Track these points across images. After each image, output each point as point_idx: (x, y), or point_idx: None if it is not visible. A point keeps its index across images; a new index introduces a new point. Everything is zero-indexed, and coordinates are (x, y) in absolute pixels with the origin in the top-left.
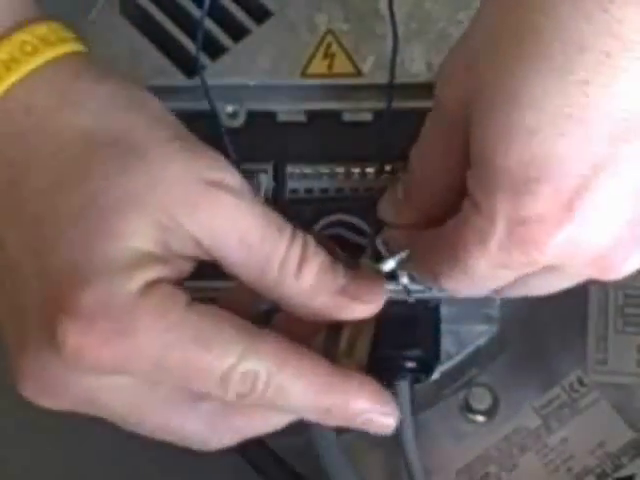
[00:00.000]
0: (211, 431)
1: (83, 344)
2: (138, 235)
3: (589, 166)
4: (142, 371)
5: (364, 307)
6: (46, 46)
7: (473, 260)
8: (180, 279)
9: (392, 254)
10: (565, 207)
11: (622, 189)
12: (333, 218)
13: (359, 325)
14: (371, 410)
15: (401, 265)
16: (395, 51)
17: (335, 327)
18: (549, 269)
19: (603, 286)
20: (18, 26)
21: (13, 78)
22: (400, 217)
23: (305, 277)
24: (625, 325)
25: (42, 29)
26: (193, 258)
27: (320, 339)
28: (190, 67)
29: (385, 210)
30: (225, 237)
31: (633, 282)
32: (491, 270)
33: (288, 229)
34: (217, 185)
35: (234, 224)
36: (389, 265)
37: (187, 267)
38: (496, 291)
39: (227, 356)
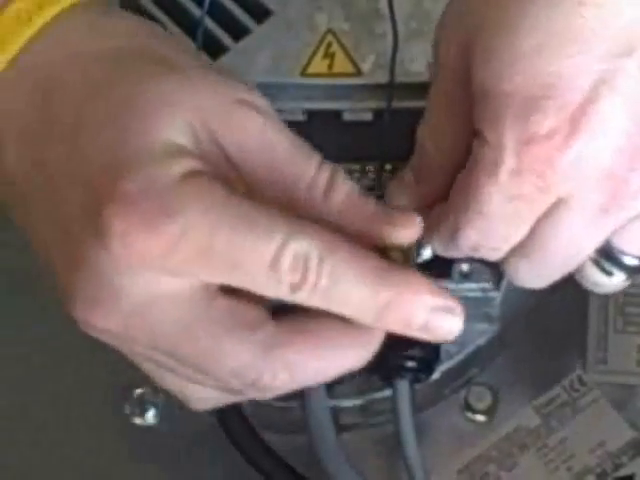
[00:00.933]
0: (264, 362)
1: (129, 228)
2: (172, 129)
3: (591, 81)
4: (189, 259)
5: (400, 231)
6: None
7: (486, 195)
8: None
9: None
10: (572, 121)
11: (623, 101)
12: None
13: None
14: (433, 307)
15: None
16: (395, 50)
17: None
18: (559, 204)
19: None
20: None
21: (45, 18)
22: (411, 198)
23: (334, 199)
24: (625, 324)
25: None
26: (225, 171)
27: None
28: None
29: (394, 196)
30: (254, 153)
31: (633, 281)
32: (506, 204)
33: (317, 156)
34: (248, 104)
35: (264, 141)
36: (425, 255)
37: (220, 169)
38: (514, 252)
39: (274, 234)
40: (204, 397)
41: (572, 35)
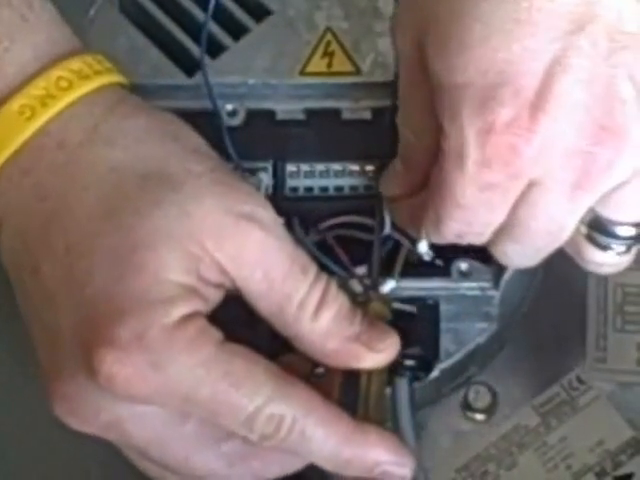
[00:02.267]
0: (230, 471)
1: (117, 374)
2: (170, 267)
3: (544, 63)
4: (172, 403)
5: (376, 356)
6: (81, 80)
7: (459, 188)
8: (211, 309)
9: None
10: (530, 107)
11: (578, 78)
12: (345, 219)
13: (372, 376)
14: (388, 462)
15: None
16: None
17: (351, 376)
18: (532, 187)
19: (602, 284)
20: (55, 61)
21: (48, 115)
22: (402, 187)
23: (322, 320)
24: (624, 323)
25: (77, 63)
26: (221, 286)
27: (336, 389)
28: (189, 66)
29: (387, 185)
30: (249, 269)
31: (632, 280)
32: (479, 194)
33: (312, 270)
34: (248, 218)
35: (260, 257)
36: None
37: (217, 296)
38: (499, 235)
39: (255, 397)
40: None
41: (519, 18)
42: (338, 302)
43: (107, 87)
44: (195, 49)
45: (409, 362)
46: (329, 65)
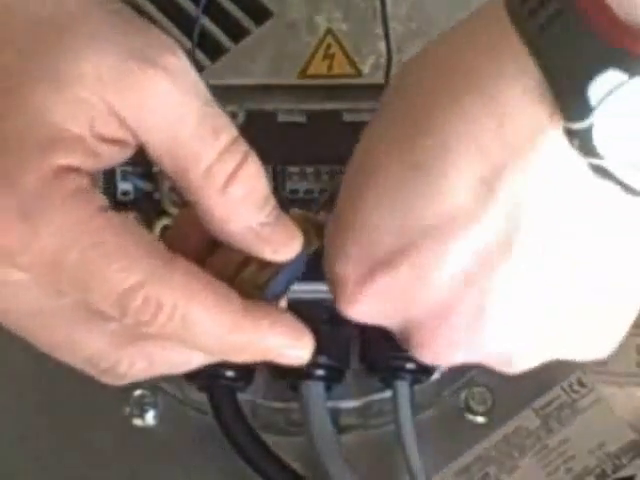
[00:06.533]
0: (119, 352)
1: None
2: (55, 110)
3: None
4: (40, 266)
5: (272, 253)
6: None
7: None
8: (100, 170)
9: None
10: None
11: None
12: None
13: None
14: (284, 345)
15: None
16: (389, 52)
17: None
18: None
19: None
20: None
21: None
22: None
23: (229, 195)
24: None
25: None
26: (119, 142)
27: (232, 264)
28: None
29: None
30: (152, 121)
31: None
32: None
33: (228, 134)
34: (153, 65)
35: (164, 109)
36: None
37: (113, 153)
38: None
39: (128, 275)
40: None
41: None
42: (254, 182)
43: None
44: (196, 52)
45: (410, 365)
46: (329, 67)
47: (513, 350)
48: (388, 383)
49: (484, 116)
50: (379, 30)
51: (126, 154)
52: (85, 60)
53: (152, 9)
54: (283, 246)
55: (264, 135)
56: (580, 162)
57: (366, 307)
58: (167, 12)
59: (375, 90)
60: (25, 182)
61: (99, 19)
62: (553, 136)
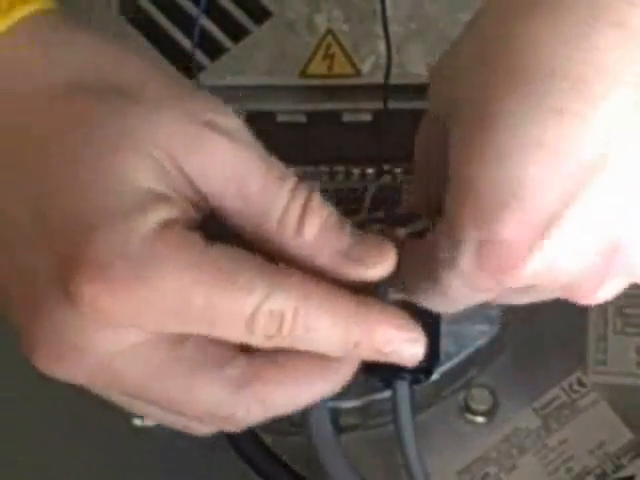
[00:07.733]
0: (237, 398)
1: (100, 293)
2: (139, 172)
3: (559, 196)
4: (164, 322)
5: (368, 271)
6: (21, 3)
7: (446, 281)
8: (190, 223)
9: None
10: (534, 235)
11: (592, 219)
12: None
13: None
14: (398, 339)
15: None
16: (389, 52)
17: None
18: (523, 288)
19: None
20: None
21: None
22: (410, 202)
23: (306, 235)
24: (624, 326)
25: None
26: (195, 205)
27: None
28: (189, 68)
29: (411, 197)
30: (221, 184)
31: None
32: (465, 291)
33: (291, 179)
34: (210, 126)
35: (230, 170)
36: (402, 232)
37: (193, 214)
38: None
39: (252, 295)
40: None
41: (544, 142)
42: (323, 213)
43: (48, 10)
44: (196, 52)
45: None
46: (329, 67)
47: None
48: (388, 383)
49: None
50: (379, 30)
51: (199, 216)
52: (155, 125)
53: (152, 9)
54: (378, 257)
55: (264, 135)
56: None
57: (542, 264)
58: (167, 12)
59: (375, 90)
60: (132, 248)
61: (156, 85)
62: None
